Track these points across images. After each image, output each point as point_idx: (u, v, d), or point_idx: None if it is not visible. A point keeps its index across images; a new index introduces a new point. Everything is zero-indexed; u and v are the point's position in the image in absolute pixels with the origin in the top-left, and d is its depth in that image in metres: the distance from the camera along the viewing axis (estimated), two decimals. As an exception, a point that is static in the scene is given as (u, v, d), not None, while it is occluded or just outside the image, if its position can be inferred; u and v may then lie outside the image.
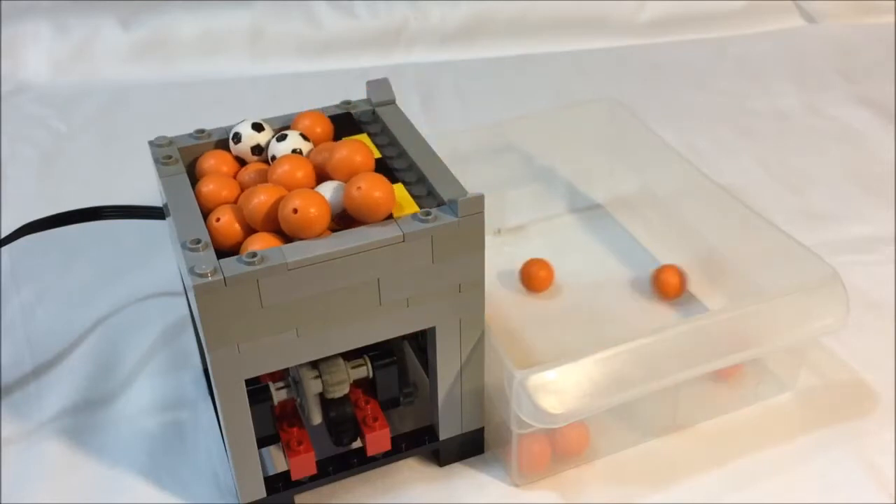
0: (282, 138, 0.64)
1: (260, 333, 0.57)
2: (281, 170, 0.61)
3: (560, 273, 0.89)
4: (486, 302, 0.63)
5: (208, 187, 0.62)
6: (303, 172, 0.62)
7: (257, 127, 0.65)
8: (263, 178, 0.64)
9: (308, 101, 0.73)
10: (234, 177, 0.65)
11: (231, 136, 0.66)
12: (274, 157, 0.64)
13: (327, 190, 0.60)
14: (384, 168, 0.67)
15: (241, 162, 0.66)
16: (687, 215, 0.87)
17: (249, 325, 0.56)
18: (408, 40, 1.34)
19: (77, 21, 1.30)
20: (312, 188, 0.61)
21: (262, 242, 0.58)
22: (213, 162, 0.65)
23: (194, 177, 0.66)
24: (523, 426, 0.63)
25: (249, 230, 0.60)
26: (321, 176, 0.63)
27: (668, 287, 0.84)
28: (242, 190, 0.63)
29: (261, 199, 0.59)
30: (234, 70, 1.31)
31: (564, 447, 0.69)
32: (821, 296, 0.70)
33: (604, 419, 0.69)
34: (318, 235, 0.58)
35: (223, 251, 0.60)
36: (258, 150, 0.65)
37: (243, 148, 0.65)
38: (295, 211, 0.57)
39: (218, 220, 0.59)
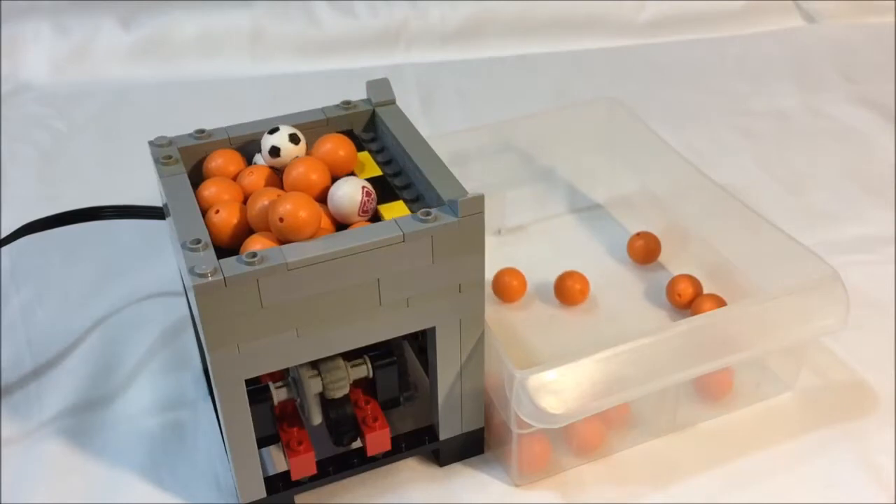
0: (273, 131, 0.64)
1: (260, 333, 0.57)
2: (296, 172, 0.62)
3: (560, 273, 0.89)
4: (485, 302, 0.64)
5: (210, 190, 0.62)
6: (317, 175, 0.62)
7: (272, 130, 0.65)
8: (263, 180, 0.64)
9: (308, 101, 0.73)
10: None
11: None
12: (274, 149, 0.64)
13: (346, 186, 0.60)
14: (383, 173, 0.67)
15: (278, 172, 0.65)
16: (687, 215, 0.87)
17: (249, 325, 0.56)
18: (408, 40, 1.34)
19: (77, 21, 1.30)
20: (325, 188, 0.62)
21: (260, 244, 0.58)
22: (221, 161, 0.65)
23: (200, 177, 0.66)
24: (523, 426, 0.63)
25: (248, 227, 0.60)
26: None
27: (683, 297, 0.83)
28: (245, 191, 0.63)
29: (264, 203, 0.59)
30: (234, 70, 1.31)
31: (581, 443, 0.69)
32: (821, 296, 0.70)
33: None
34: (311, 236, 0.58)
35: (221, 248, 0.60)
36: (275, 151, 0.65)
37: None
38: (281, 220, 0.57)
39: (217, 212, 0.60)
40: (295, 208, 0.57)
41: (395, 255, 0.58)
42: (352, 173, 0.66)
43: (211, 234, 0.60)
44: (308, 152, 0.66)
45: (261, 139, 0.65)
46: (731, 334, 0.68)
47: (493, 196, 0.78)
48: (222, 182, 0.63)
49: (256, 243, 0.58)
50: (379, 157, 0.68)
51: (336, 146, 0.65)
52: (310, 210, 0.58)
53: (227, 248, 0.60)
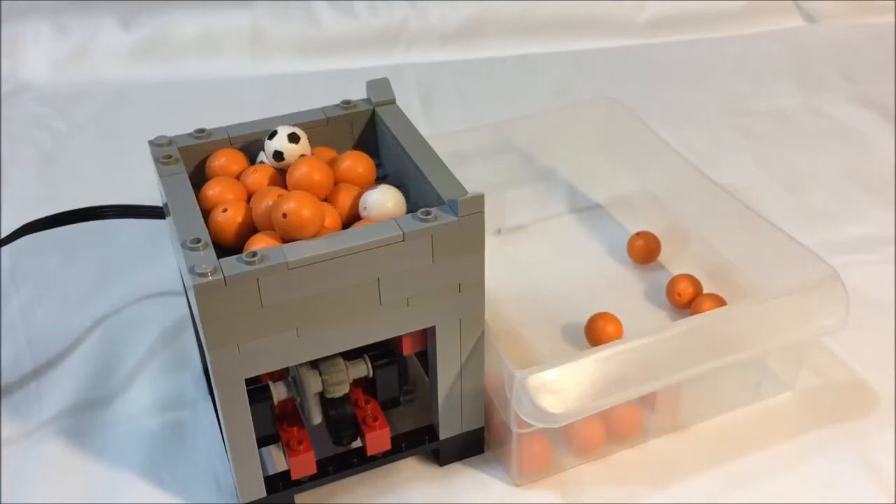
0: (272, 135, 0.65)
1: (260, 333, 0.57)
2: (299, 172, 0.62)
3: (560, 273, 0.89)
4: (485, 302, 0.64)
5: (214, 189, 0.62)
6: (320, 175, 0.62)
7: (271, 135, 0.65)
8: (267, 179, 0.64)
9: (308, 101, 0.73)
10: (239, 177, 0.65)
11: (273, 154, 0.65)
12: (278, 154, 0.64)
13: (380, 193, 0.61)
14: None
15: (282, 171, 0.65)
16: (687, 215, 0.87)
17: (249, 324, 0.56)
18: (408, 40, 1.34)
19: (77, 21, 1.30)
20: (328, 189, 0.62)
21: (263, 242, 0.58)
22: (224, 161, 0.66)
23: (202, 176, 0.66)
24: (523, 426, 0.63)
25: (253, 226, 0.60)
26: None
27: (683, 296, 0.83)
28: (248, 191, 0.63)
29: (269, 203, 0.59)
30: (234, 70, 1.31)
31: (581, 443, 0.69)
32: (821, 296, 0.70)
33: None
34: (314, 235, 0.58)
35: (226, 247, 0.60)
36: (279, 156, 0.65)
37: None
38: (284, 216, 0.57)
39: (225, 210, 0.60)
40: (299, 206, 0.57)
41: (395, 255, 0.58)
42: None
43: (216, 233, 0.60)
44: (314, 153, 0.66)
45: (261, 138, 0.65)
46: (731, 334, 0.68)
47: (493, 196, 0.78)
48: (226, 181, 0.63)
49: (260, 242, 0.58)
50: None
51: (355, 163, 0.65)
52: (313, 208, 0.58)
53: (231, 247, 0.60)
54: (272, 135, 0.64)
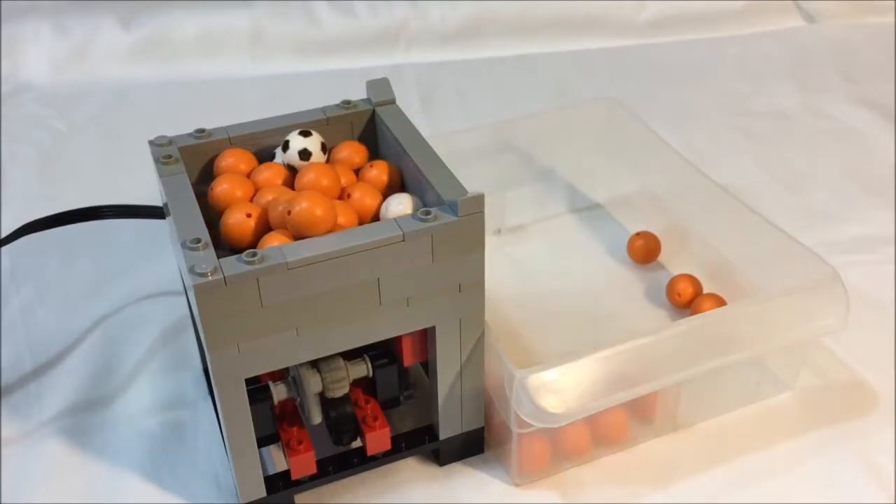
0: (286, 146, 0.65)
1: (260, 333, 0.57)
2: (307, 178, 0.62)
3: (560, 273, 0.89)
4: (485, 302, 0.64)
5: (222, 186, 0.62)
6: (328, 181, 0.62)
7: (285, 146, 0.65)
8: (279, 178, 0.64)
9: (308, 101, 0.73)
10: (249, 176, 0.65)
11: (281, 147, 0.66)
12: (289, 165, 0.65)
13: (399, 201, 0.61)
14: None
15: (292, 169, 0.66)
16: (687, 215, 0.87)
17: (249, 324, 0.56)
18: (408, 40, 1.34)
19: (77, 21, 1.30)
20: (337, 193, 0.63)
21: (277, 241, 0.58)
22: (232, 161, 0.66)
23: (203, 176, 0.66)
24: (523, 426, 0.63)
25: (266, 229, 0.61)
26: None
27: (683, 296, 0.83)
28: (257, 188, 0.63)
29: (284, 206, 0.59)
30: (234, 70, 1.31)
31: (604, 433, 0.69)
32: (821, 296, 0.70)
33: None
34: (326, 234, 0.58)
35: (239, 249, 0.60)
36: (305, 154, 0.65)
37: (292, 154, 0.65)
38: (289, 213, 0.57)
39: (248, 215, 0.60)
40: (311, 205, 0.57)
41: (395, 255, 0.58)
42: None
43: (228, 235, 0.60)
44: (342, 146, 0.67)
45: (260, 138, 0.65)
46: (731, 334, 0.68)
47: (493, 196, 0.78)
48: (235, 178, 0.63)
49: (274, 240, 0.58)
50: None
51: (381, 171, 0.66)
52: (325, 207, 0.58)
53: (245, 249, 0.60)
54: (286, 146, 0.64)
